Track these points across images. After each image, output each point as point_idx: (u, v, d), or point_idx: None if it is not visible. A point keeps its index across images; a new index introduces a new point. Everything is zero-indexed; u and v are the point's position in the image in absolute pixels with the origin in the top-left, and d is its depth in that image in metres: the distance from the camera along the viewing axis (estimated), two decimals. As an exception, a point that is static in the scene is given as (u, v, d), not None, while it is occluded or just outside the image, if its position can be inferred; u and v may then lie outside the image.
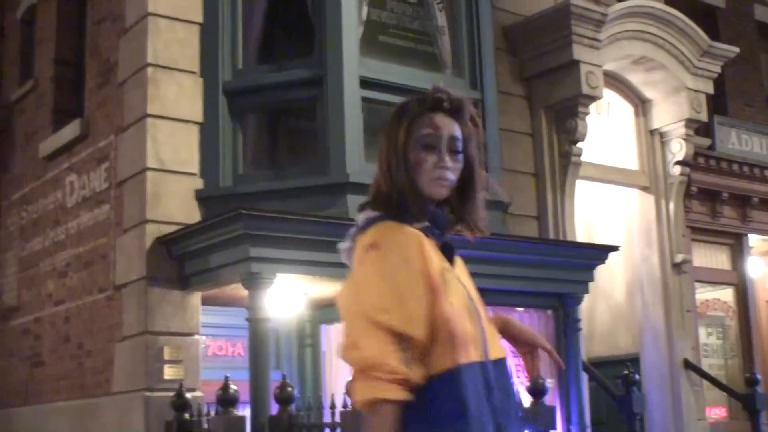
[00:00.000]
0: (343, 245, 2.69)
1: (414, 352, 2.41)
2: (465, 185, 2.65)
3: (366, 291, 2.46)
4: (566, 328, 8.98)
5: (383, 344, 2.39)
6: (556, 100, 10.09)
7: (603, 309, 11.34)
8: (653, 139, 11.10)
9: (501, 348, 2.63)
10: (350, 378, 2.50)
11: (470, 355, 2.48)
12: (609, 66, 10.46)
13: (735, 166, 11.74)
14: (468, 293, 2.60)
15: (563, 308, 9.04)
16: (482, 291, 2.78)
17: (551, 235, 9.89)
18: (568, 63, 9.86)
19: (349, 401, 6.91)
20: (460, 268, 2.67)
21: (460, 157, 2.61)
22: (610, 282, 11.24)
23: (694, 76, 10.86)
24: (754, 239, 12.34)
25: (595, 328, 11.35)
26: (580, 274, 9.09)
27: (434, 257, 2.51)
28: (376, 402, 2.38)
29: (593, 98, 10.00)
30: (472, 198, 2.66)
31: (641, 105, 11.13)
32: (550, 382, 8.62)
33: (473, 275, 2.76)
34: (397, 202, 2.58)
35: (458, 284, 2.57)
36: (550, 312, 9.08)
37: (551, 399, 8.69)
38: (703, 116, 10.95)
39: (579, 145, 10.03)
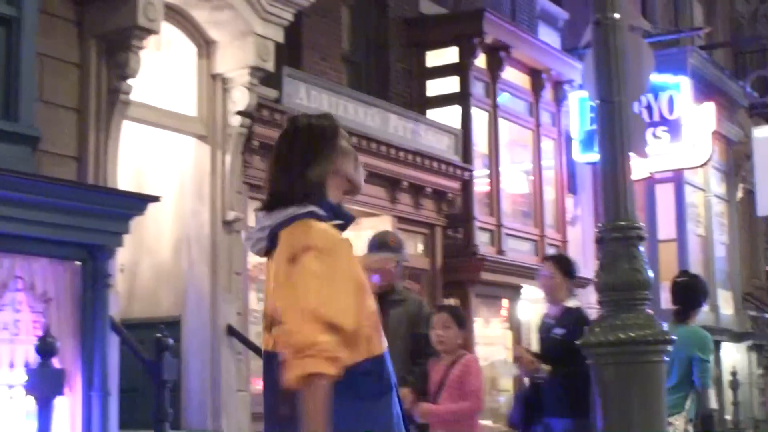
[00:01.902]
0: (254, 234, 3.21)
1: (342, 339, 2.86)
2: None
3: (304, 288, 2.90)
4: (95, 282, 8.00)
5: (317, 330, 2.82)
6: (109, 29, 8.93)
7: (147, 266, 10.25)
8: (215, 84, 10.11)
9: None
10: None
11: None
12: (173, -1, 9.48)
13: (301, 123, 11.13)
14: None
15: (93, 261, 8.06)
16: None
17: (91, 179, 8.79)
18: (124, -11, 8.77)
19: None
20: None
21: None
22: (157, 237, 10.20)
23: (264, 21, 10.01)
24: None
25: (136, 287, 10.28)
26: (115, 225, 8.09)
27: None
28: (308, 376, 2.78)
29: (150, 31, 8.96)
30: None
31: (206, 46, 10.13)
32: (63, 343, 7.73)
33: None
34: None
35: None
36: (78, 264, 8.06)
37: (72, 360, 7.79)
38: (270, 65, 10.15)
39: (130, 82, 8.98)
